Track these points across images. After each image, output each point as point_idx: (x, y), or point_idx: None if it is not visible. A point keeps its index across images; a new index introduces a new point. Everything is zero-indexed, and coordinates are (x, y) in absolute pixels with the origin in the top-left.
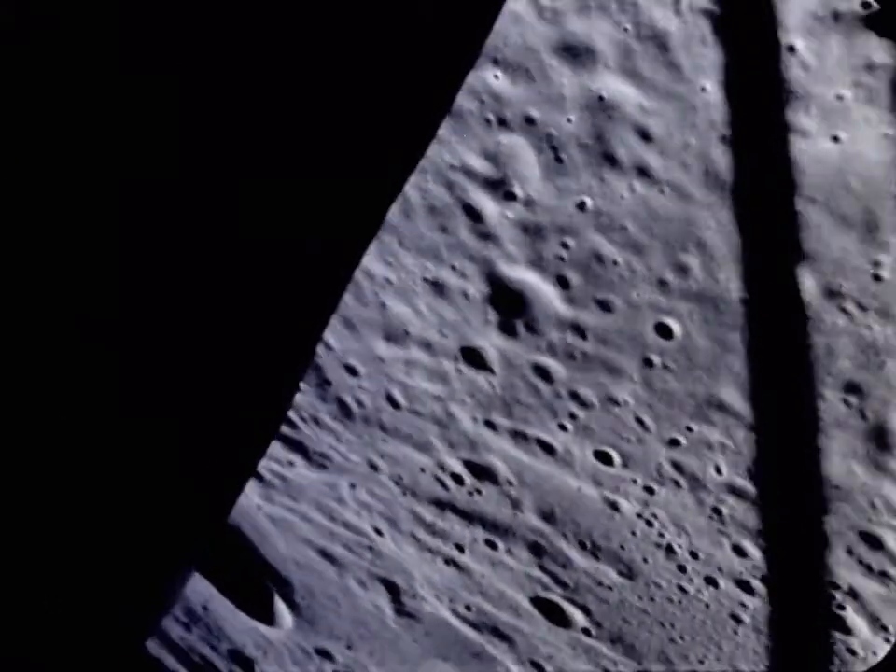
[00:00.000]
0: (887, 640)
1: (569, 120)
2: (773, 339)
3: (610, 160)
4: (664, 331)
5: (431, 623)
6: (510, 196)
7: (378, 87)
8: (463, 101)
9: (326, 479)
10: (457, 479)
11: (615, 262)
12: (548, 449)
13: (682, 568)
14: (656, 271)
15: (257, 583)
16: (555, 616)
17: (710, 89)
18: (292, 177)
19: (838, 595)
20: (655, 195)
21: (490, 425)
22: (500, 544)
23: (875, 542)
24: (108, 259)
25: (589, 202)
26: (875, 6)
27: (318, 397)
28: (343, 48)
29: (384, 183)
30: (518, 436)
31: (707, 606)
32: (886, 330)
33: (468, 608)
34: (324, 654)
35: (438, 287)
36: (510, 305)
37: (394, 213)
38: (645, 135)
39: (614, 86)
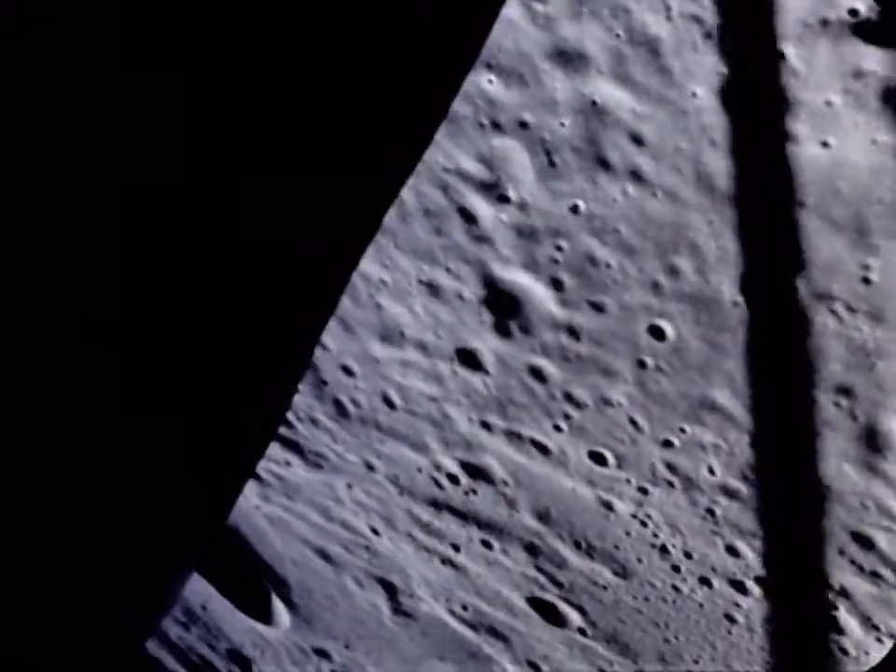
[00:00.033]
0: (878, 640)
1: (563, 124)
2: (765, 341)
3: (603, 163)
4: (657, 333)
5: (428, 622)
6: (504, 199)
7: (376, 90)
8: (457, 105)
9: (322, 479)
10: (453, 479)
11: (608, 265)
12: (543, 449)
13: (676, 568)
14: (649, 273)
15: (254, 583)
16: (551, 616)
17: (701, 94)
18: (290, 178)
19: (830, 596)
20: (648, 198)
21: (485, 425)
22: (496, 544)
23: (866, 543)
24: (108, 259)
25: (582, 205)
26: (863, 14)
27: (315, 397)
28: (342, 50)
29: (380, 185)
30: (513, 436)
31: (702, 606)
32: (875, 333)
33: (464, 607)
34: (322, 654)
35: (433, 289)
36: (504, 307)
37: (389, 215)
38: (637, 140)
39: (607, 91)
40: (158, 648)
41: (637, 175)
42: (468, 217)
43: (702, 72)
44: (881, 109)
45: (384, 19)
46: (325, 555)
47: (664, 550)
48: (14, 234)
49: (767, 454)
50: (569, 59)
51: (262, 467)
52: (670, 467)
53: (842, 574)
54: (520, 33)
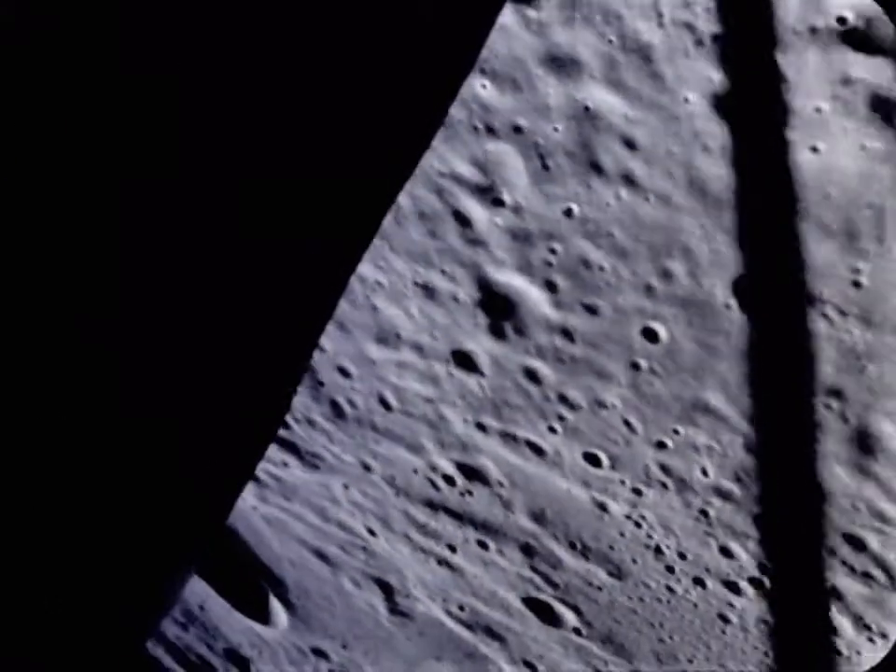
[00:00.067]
0: (871, 640)
1: (556, 129)
2: (757, 344)
3: (596, 168)
4: (650, 335)
5: (425, 622)
6: (498, 202)
7: (372, 93)
8: (452, 109)
9: (319, 479)
10: (449, 480)
11: (602, 268)
12: (537, 451)
13: (671, 569)
14: (642, 276)
15: (252, 583)
16: (546, 616)
17: (693, 100)
18: (288, 179)
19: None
20: (641, 202)
21: (481, 426)
22: (492, 545)
23: (858, 544)
24: (108, 259)
25: (576, 208)
26: (851, 22)
27: (311, 398)
28: (340, 52)
29: (376, 188)
30: (508, 438)
31: (696, 606)
32: (866, 336)
33: (460, 607)
34: (319, 653)
35: (428, 291)
36: (499, 309)
37: (385, 218)
38: (630, 144)
39: (599, 96)
40: (156, 647)
41: (629, 180)
42: (462, 220)
43: (694, 78)
44: (869, 116)
45: (381, 22)
46: (322, 556)
47: (658, 550)
48: (14, 234)
49: (760, 455)
50: (562, 64)
51: (260, 468)
52: (664, 468)
53: (834, 575)
54: (513, 38)
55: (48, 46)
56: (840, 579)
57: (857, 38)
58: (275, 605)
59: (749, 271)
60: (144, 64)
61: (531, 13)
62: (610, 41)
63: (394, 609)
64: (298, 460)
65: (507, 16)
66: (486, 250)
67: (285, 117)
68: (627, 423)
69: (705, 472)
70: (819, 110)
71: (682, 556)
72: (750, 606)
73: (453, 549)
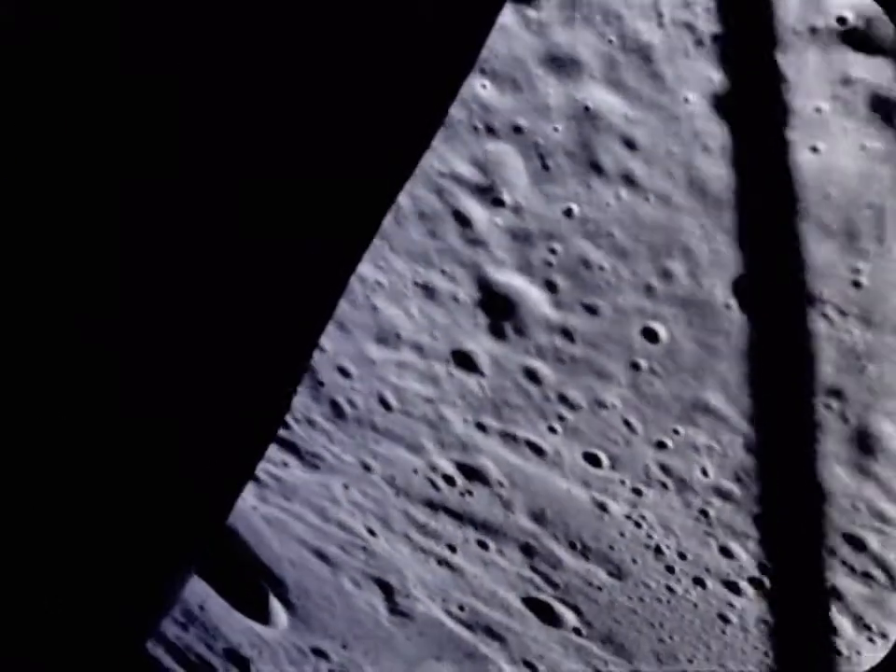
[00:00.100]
0: (870, 640)
1: (556, 129)
2: (757, 344)
3: (596, 168)
4: (650, 335)
5: (425, 622)
6: (498, 202)
7: (372, 94)
8: (452, 109)
9: (319, 479)
10: (449, 480)
11: (602, 268)
12: (538, 451)
13: (671, 569)
14: (642, 276)
15: (252, 583)
16: (547, 616)
17: (693, 100)
18: (287, 180)
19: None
20: (641, 202)
21: (481, 427)
22: (492, 545)
23: (858, 544)
24: (108, 259)
25: (576, 208)
26: (851, 22)
27: (311, 398)
28: (340, 52)
29: (377, 188)
30: (508, 438)
31: (696, 606)
32: (866, 336)
33: (460, 607)
34: (319, 653)
35: (428, 291)
36: (499, 309)
37: (385, 218)
38: (630, 144)
39: (599, 96)
40: (155, 647)
41: (629, 180)
42: (462, 220)
43: (694, 78)
44: (869, 116)
45: (381, 22)
46: (322, 556)
47: (658, 550)
48: (14, 234)
49: (760, 456)
50: (562, 64)
51: (260, 468)
52: (664, 468)
53: (834, 575)
54: (513, 38)
55: (48, 46)
56: (840, 579)
57: (857, 38)
58: (275, 605)
59: (750, 271)
60: (144, 64)
61: (531, 13)
62: (610, 41)
63: (394, 609)
64: (298, 460)
65: (507, 16)
66: (486, 250)
67: (284, 117)
68: (627, 423)
69: (705, 472)
70: (819, 110)
71: (682, 556)
72: (750, 606)
73: (453, 549)
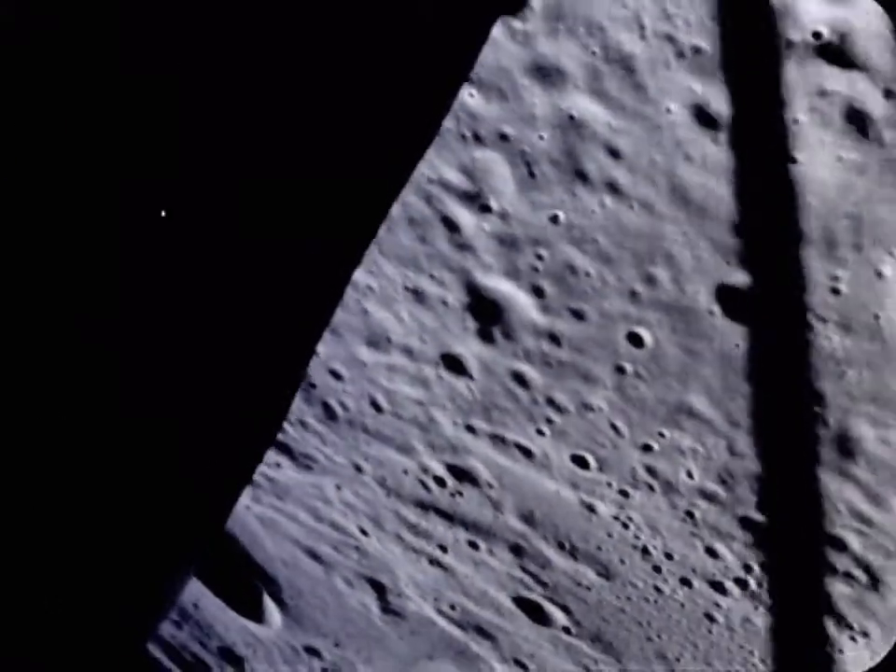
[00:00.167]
0: (852, 639)
1: (541, 137)
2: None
3: (581, 175)
4: (635, 340)
5: (417, 621)
6: (485, 209)
7: (365, 103)
8: (440, 118)
9: (312, 480)
10: (439, 481)
11: (587, 273)
12: (526, 453)
13: (657, 569)
14: (627, 282)
15: (246, 582)
16: (537, 615)
17: (675, 110)
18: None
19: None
20: (625, 210)
21: (470, 429)
22: (482, 545)
23: (839, 545)
24: (108, 259)
25: (561, 215)
26: (826, 37)
27: (304, 400)
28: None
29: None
30: (497, 440)
31: (682, 605)
32: (845, 342)
33: (452, 606)
34: (312, 652)
35: (418, 296)
36: (487, 313)
37: (375, 224)
38: (614, 153)
39: (584, 105)
40: (151, 646)
41: (613, 187)
42: (451, 225)
43: (675, 89)
44: (845, 128)
45: (374, 32)
46: (315, 555)
47: (645, 551)
48: (14, 234)
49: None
50: (547, 74)
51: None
52: (650, 470)
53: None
54: (500, 49)
55: (48, 46)
56: (822, 579)
57: (832, 52)
58: (269, 604)
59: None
60: (144, 64)
61: (517, 24)
62: (594, 52)
63: (386, 609)
64: (291, 461)
65: (493, 27)
66: (474, 255)
67: (280, 117)
68: (614, 426)
69: (690, 475)
70: (796, 121)
71: (669, 557)
72: (736, 605)
73: (444, 549)
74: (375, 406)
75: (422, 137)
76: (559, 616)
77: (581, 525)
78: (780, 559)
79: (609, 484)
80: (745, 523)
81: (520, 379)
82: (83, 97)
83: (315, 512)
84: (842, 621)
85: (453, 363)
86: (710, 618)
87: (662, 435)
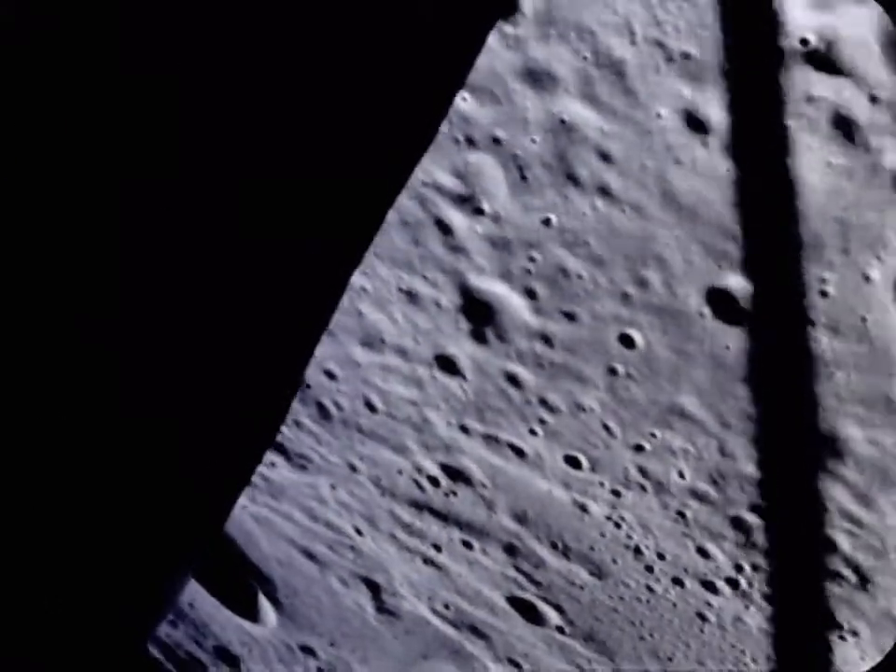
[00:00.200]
0: (841, 637)
1: (533, 141)
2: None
3: (573, 179)
4: (626, 342)
5: (411, 620)
6: (478, 211)
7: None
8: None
9: (307, 480)
10: (433, 481)
11: (580, 276)
12: (519, 453)
13: (650, 569)
14: (618, 284)
15: (241, 581)
16: (530, 614)
17: (665, 114)
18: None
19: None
20: (616, 213)
21: (464, 429)
22: (476, 544)
23: (829, 545)
24: (108, 259)
25: (553, 218)
26: (813, 43)
27: (299, 400)
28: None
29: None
30: (491, 440)
31: (675, 605)
32: (833, 344)
33: (446, 606)
34: (308, 651)
35: (412, 297)
36: (480, 315)
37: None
38: (605, 157)
39: (575, 110)
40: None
41: (605, 191)
42: (444, 228)
43: (665, 93)
44: (832, 133)
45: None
46: (310, 555)
47: (637, 551)
48: (14, 234)
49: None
50: (539, 79)
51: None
52: (642, 470)
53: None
54: (492, 53)
55: (48, 46)
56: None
57: (818, 59)
58: (264, 603)
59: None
60: (144, 64)
61: (509, 29)
62: (585, 57)
63: (381, 608)
64: (286, 461)
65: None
66: (467, 258)
67: (274, 123)
68: (606, 426)
69: (681, 475)
70: (784, 127)
71: (661, 556)
72: (727, 605)
73: (438, 548)
74: (370, 406)
75: (416, 141)
76: (552, 615)
77: (573, 525)
78: (771, 559)
79: (602, 484)
80: (736, 523)
81: (513, 380)
82: (83, 97)
83: (310, 512)
84: (832, 620)
85: (446, 364)
86: (702, 617)
87: (653, 435)
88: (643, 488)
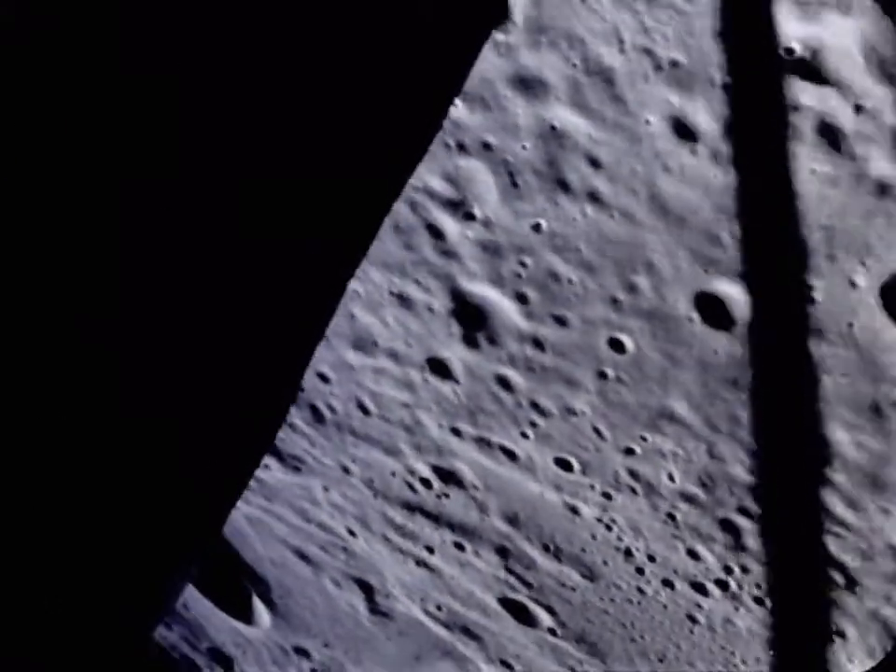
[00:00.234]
0: (829, 639)
1: (524, 147)
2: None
3: (563, 185)
4: (616, 346)
5: (404, 622)
6: (469, 216)
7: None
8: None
9: (300, 481)
10: (426, 483)
11: (570, 281)
12: (511, 455)
13: (640, 571)
14: (608, 289)
15: (235, 583)
16: (522, 616)
17: (653, 121)
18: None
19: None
20: (606, 219)
21: (456, 432)
22: (468, 546)
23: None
24: (108, 259)
25: (544, 224)
26: (798, 53)
27: (292, 402)
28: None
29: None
30: (482, 443)
31: (665, 607)
32: (820, 349)
33: (438, 607)
34: (301, 652)
35: (404, 301)
36: (472, 319)
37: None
38: (595, 163)
39: (565, 116)
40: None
41: (595, 197)
42: (435, 233)
43: (653, 101)
44: (817, 141)
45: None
46: (303, 556)
47: (628, 553)
48: (14, 234)
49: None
50: (529, 86)
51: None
52: (632, 473)
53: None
54: (483, 60)
55: (48, 46)
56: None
57: (804, 68)
58: (258, 604)
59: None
60: (144, 64)
61: (499, 36)
62: (575, 65)
63: (374, 609)
64: (279, 462)
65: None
66: (459, 262)
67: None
68: (596, 430)
69: (671, 478)
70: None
71: (651, 558)
72: (717, 606)
73: (430, 550)
74: (362, 409)
75: (408, 146)
76: (544, 617)
77: (565, 527)
78: (760, 561)
79: (593, 487)
80: (725, 525)
81: (504, 383)
82: (83, 97)
83: (304, 513)
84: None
85: (438, 367)
86: (692, 619)
87: (643, 439)
88: (633, 491)
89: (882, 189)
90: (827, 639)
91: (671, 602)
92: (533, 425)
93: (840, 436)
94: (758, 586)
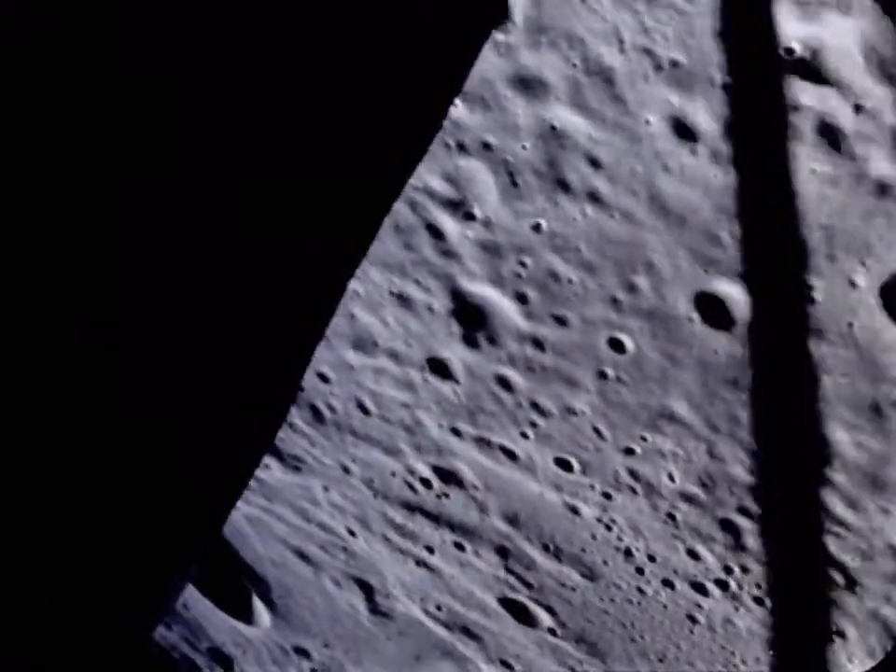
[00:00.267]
0: (829, 639)
1: (524, 147)
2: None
3: (563, 185)
4: (616, 346)
5: (404, 621)
6: (469, 216)
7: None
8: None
9: (300, 481)
10: (426, 483)
11: (570, 280)
12: (511, 455)
13: (640, 571)
14: (608, 289)
15: (235, 583)
16: (522, 616)
17: (653, 121)
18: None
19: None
20: (606, 219)
21: (456, 432)
22: (468, 546)
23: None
24: (108, 259)
25: (544, 224)
26: (798, 53)
27: (292, 402)
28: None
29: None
30: (482, 443)
31: (665, 607)
32: (820, 349)
33: (438, 607)
34: (301, 652)
35: (404, 301)
36: (472, 319)
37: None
38: (595, 163)
39: (565, 116)
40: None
41: (595, 197)
42: (435, 233)
43: (653, 101)
44: (817, 141)
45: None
46: (303, 556)
47: (628, 553)
48: (14, 234)
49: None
50: (530, 86)
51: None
52: (632, 473)
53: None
54: (483, 60)
55: (48, 46)
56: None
57: (804, 68)
58: (258, 604)
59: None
60: (144, 64)
61: (499, 36)
62: (575, 65)
63: (374, 609)
64: (279, 462)
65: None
66: (459, 262)
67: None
68: (596, 430)
69: (671, 478)
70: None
71: (651, 558)
72: (717, 606)
73: (430, 550)
74: (362, 408)
75: (408, 146)
76: (544, 617)
77: (565, 527)
78: (760, 561)
79: (593, 487)
80: (725, 525)
81: (504, 383)
82: (83, 97)
83: (304, 513)
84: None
85: (438, 367)
86: (692, 619)
87: (643, 439)
88: (633, 491)
89: (882, 189)
90: (827, 639)
91: (671, 602)
92: (533, 425)
93: (840, 436)
94: (758, 586)
